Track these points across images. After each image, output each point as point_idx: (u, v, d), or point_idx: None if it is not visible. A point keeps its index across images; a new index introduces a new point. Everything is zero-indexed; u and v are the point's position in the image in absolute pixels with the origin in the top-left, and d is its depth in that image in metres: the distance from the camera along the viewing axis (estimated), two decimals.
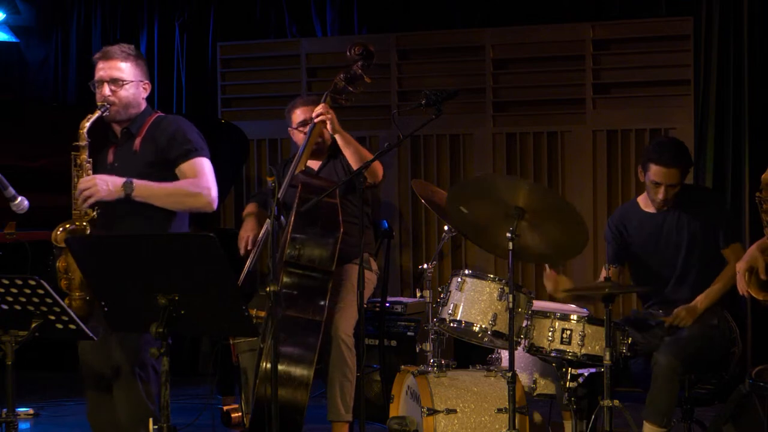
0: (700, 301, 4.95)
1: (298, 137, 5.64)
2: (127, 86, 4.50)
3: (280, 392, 4.81)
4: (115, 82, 4.49)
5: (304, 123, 5.62)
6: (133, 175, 4.42)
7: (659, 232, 5.05)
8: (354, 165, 5.29)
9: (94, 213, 4.36)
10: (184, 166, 4.47)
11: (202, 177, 4.47)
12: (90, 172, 4.40)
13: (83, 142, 4.40)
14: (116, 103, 4.48)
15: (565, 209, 4.63)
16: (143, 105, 4.57)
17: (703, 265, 4.99)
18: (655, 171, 4.93)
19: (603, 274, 5.05)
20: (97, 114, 4.43)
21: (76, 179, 4.41)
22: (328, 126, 5.33)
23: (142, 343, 4.34)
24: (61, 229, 4.32)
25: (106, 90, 4.48)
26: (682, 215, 5.01)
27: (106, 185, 4.34)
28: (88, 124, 4.39)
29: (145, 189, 4.39)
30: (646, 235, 5.08)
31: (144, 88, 4.57)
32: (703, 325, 4.91)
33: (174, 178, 4.49)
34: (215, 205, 4.50)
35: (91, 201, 4.33)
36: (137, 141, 4.51)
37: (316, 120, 5.37)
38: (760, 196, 3.98)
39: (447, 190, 5.21)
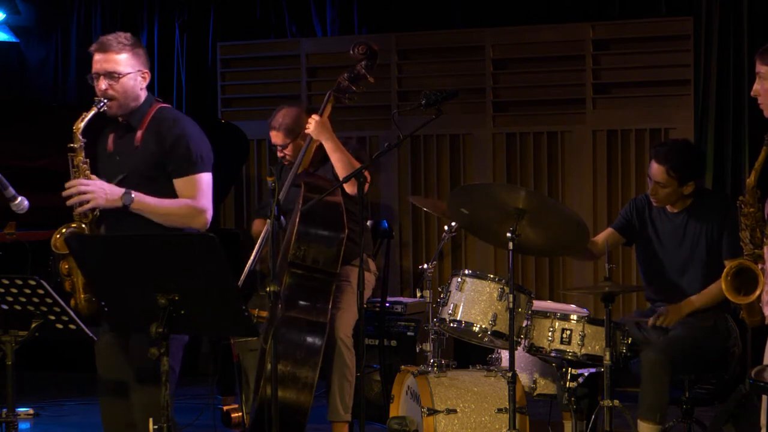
0: (688, 303, 4.94)
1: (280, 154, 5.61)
2: (124, 79, 4.30)
3: (284, 394, 4.82)
4: (111, 75, 4.29)
5: (279, 147, 5.58)
6: (132, 170, 4.31)
7: (671, 232, 5.03)
8: (340, 172, 5.20)
9: (96, 213, 4.25)
10: (183, 181, 4.31)
11: (201, 197, 4.31)
12: (88, 173, 4.27)
13: (78, 144, 4.25)
14: (115, 97, 4.30)
15: (565, 214, 4.66)
16: (143, 96, 4.38)
17: (709, 270, 4.97)
18: (650, 164, 4.98)
19: (604, 234, 5.17)
20: (93, 111, 4.25)
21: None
22: (313, 134, 5.30)
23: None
24: (58, 235, 4.21)
25: (103, 84, 4.29)
26: (696, 219, 4.99)
27: (104, 194, 4.22)
28: (82, 125, 4.24)
29: (143, 204, 4.25)
30: (658, 230, 5.07)
31: (143, 77, 4.37)
32: (695, 327, 4.90)
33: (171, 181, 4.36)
34: (208, 225, 4.35)
35: (87, 207, 4.22)
36: (138, 134, 4.34)
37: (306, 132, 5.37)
38: (742, 199, 3.95)
39: (446, 194, 5.20)
